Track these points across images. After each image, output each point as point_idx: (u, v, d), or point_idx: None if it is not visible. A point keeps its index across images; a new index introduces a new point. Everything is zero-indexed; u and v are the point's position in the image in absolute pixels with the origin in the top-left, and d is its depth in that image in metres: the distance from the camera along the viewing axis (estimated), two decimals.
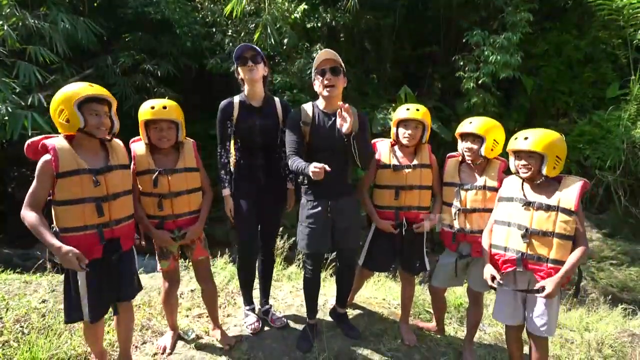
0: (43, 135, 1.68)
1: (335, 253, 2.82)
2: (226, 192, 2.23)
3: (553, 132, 1.83)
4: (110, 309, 1.85)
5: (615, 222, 6.17)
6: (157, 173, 1.93)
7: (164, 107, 1.92)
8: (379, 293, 3.18)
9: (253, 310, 2.49)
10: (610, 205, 6.26)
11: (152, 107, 1.91)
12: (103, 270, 1.73)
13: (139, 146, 1.99)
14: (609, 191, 6.09)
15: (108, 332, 2.28)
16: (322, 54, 2.02)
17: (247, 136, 2.20)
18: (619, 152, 6.05)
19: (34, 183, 1.61)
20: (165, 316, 2.28)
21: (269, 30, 6.23)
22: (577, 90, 7.42)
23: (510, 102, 7.84)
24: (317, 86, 2.08)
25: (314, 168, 1.83)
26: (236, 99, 2.21)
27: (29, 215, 1.59)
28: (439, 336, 2.56)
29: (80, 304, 1.71)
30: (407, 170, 2.21)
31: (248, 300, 2.48)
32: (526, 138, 1.79)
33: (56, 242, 1.56)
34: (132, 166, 1.97)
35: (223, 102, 2.20)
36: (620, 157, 6.04)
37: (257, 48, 2.17)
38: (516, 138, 1.84)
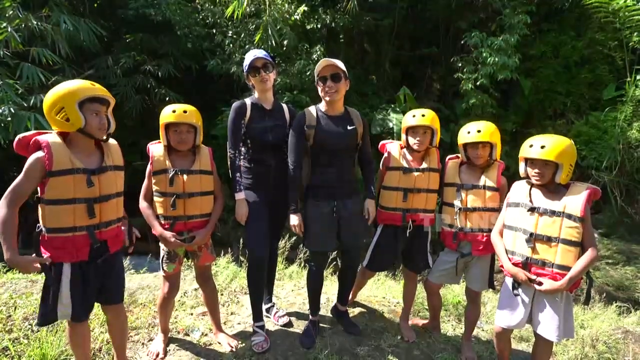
0: (35, 132, 1.61)
1: (336, 252, 2.88)
2: (240, 195, 2.16)
3: (565, 138, 1.82)
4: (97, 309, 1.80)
5: (611, 221, 6.24)
6: (173, 172, 1.99)
7: (185, 111, 2.00)
8: (379, 291, 3.24)
9: (262, 328, 2.33)
10: (606, 205, 6.34)
11: (174, 111, 1.99)
12: (89, 273, 1.68)
13: (157, 148, 2.06)
14: (605, 191, 6.16)
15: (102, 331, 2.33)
16: (322, 62, 2.09)
17: (260, 136, 2.20)
18: (615, 153, 6.13)
19: (20, 178, 1.53)
20: (159, 319, 2.27)
21: (269, 32, 6.27)
22: (574, 92, 7.48)
23: (508, 103, 7.91)
24: (320, 91, 2.16)
25: (293, 221, 2.16)
26: (248, 100, 2.24)
27: (2, 211, 1.49)
28: (437, 333, 2.62)
29: (56, 305, 1.63)
30: (416, 174, 2.25)
31: (258, 317, 2.34)
32: (543, 146, 1.77)
33: (13, 249, 1.49)
34: (148, 167, 2.03)
35: (236, 103, 2.21)
36: (616, 158, 6.12)
37: (268, 56, 2.19)
38: (531, 145, 1.82)
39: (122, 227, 1.85)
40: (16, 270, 3.24)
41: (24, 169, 1.54)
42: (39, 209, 1.58)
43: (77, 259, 1.63)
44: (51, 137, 1.58)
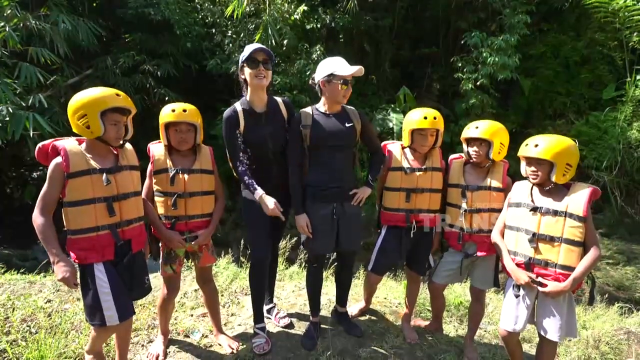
0: (53, 139, 1.69)
1: (336, 253, 2.84)
2: (259, 192, 2.06)
3: (565, 138, 1.81)
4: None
5: (611, 221, 6.25)
6: (174, 171, 1.98)
7: (184, 110, 1.99)
8: (380, 292, 3.22)
9: (263, 329, 2.32)
10: (607, 206, 6.34)
11: (173, 110, 1.98)
12: (120, 272, 1.74)
13: (157, 147, 2.05)
14: (605, 191, 6.17)
15: None
16: (354, 68, 2.04)
17: (259, 145, 2.12)
18: (615, 153, 6.14)
19: (45, 186, 1.62)
20: (159, 320, 2.26)
21: (269, 32, 6.25)
22: (573, 92, 7.50)
23: (508, 103, 7.92)
24: (330, 90, 2.09)
25: (299, 222, 2.12)
26: (238, 106, 2.10)
27: (39, 220, 1.60)
28: (439, 335, 2.60)
29: (100, 310, 1.67)
30: (418, 173, 2.23)
31: (259, 318, 2.32)
32: (537, 145, 1.78)
33: (58, 253, 1.58)
34: (149, 167, 2.02)
35: (226, 113, 2.09)
36: (616, 158, 6.13)
37: (271, 52, 2.09)
38: (527, 144, 1.84)
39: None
40: (14, 271, 3.24)
41: (47, 177, 1.62)
42: (63, 212, 1.64)
43: (103, 259, 1.69)
44: (68, 142, 1.67)
